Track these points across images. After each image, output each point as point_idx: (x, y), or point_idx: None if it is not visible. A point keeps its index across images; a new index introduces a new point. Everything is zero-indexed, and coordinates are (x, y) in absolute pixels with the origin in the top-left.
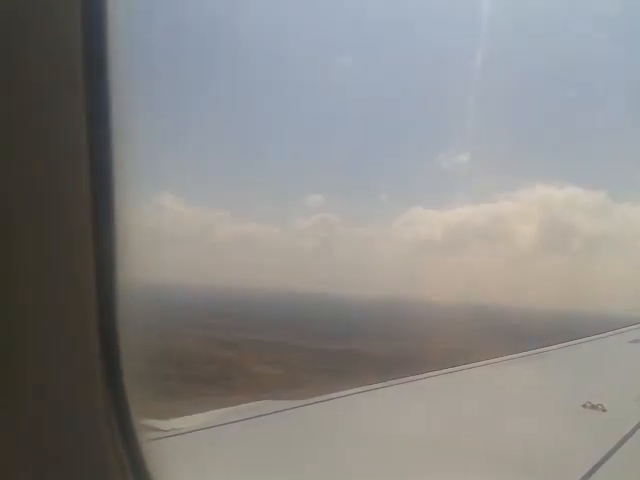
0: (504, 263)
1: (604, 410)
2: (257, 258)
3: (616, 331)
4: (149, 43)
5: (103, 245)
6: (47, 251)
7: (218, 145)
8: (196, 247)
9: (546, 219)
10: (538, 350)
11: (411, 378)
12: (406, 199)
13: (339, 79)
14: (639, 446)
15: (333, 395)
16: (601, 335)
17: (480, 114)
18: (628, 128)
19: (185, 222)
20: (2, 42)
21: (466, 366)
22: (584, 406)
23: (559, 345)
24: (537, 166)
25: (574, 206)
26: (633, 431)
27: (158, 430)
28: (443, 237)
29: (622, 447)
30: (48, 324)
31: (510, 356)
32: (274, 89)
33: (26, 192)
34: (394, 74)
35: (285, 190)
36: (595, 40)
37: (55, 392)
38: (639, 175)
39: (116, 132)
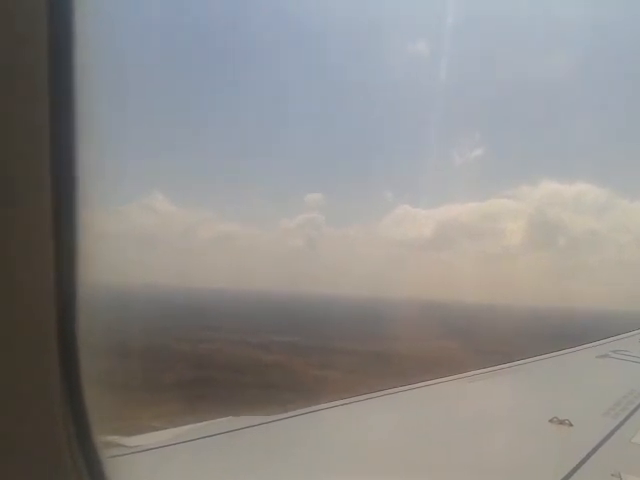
0: (497, 261)
1: (571, 425)
2: (244, 259)
3: (584, 346)
4: (138, 40)
5: (63, 250)
6: (3, 259)
7: (229, 145)
8: (185, 248)
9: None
10: (505, 365)
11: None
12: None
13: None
14: (604, 461)
15: (306, 409)
16: (569, 350)
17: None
18: None
19: (177, 223)
20: None
21: (436, 380)
22: (551, 421)
23: (526, 360)
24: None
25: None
26: (599, 446)
27: (120, 446)
28: (435, 235)
29: (587, 462)
30: (2, 333)
31: (478, 371)
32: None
33: None
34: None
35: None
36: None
37: (11, 404)
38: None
39: (80, 133)
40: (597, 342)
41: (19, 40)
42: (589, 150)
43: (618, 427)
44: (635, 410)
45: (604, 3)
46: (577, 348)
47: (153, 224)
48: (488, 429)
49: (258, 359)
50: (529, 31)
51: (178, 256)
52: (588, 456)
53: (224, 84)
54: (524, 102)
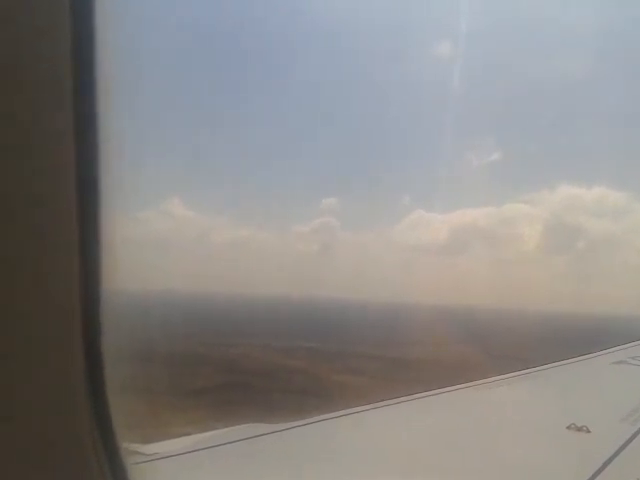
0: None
1: (588, 432)
2: (260, 264)
3: (601, 352)
4: (153, 42)
5: (88, 255)
6: (30, 265)
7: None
8: (202, 253)
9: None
10: (523, 372)
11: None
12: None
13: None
14: (624, 468)
15: (322, 417)
16: (586, 356)
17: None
18: None
19: (193, 228)
20: None
21: (455, 387)
22: (569, 428)
23: (544, 366)
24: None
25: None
26: (618, 452)
27: (140, 454)
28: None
29: (606, 469)
30: (31, 341)
31: (496, 377)
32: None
33: (9, 198)
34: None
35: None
36: None
37: (40, 412)
38: None
39: (104, 137)
40: (614, 348)
41: (40, 34)
42: (608, 153)
43: (637, 433)
44: None
45: (621, 3)
46: (594, 354)
47: (170, 229)
48: (507, 435)
49: (281, 364)
50: (547, 32)
51: (196, 261)
52: (607, 463)
53: (242, 86)
54: (542, 105)
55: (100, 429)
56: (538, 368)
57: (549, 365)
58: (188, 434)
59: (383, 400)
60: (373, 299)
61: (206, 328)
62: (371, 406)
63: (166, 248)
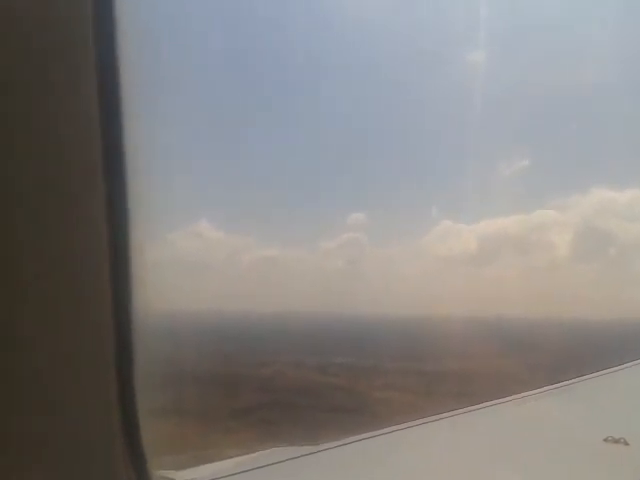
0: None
1: (627, 444)
2: (287, 282)
3: (634, 362)
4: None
5: (119, 277)
6: (62, 286)
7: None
8: (231, 273)
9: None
10: (558, 384)
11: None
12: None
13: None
14: None
15: (351, 439)
16: (621, 366)
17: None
18: None
19: (222, 249)
20: (15, 42)
21: (493, 402)
22: (606, 440)
23: (578, 379)
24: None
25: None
26: None
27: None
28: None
29: None
30: (62, 363)
31: (532, 391)
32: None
33: (40, 217)
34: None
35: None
36: None
37: (72, 442)
38: None
39: (132, 159)
40: None
41: (61, 34)
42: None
43: None
44: None
45: None
46: (629, 363)
47: (200, 250)
48: (544, 449)
49: (319, 381)
50: (576, 38)
51: (225, 282)
52: None
53: (272, 95)
54: (573, 109)
55: (131, 454)
56: (574, 380)
57: (585, 377)
58: (234, 456)
59: (427, 416)
60: (403, 312)
61: (239, 347)
62: (417, 422)
63: (196, 268)
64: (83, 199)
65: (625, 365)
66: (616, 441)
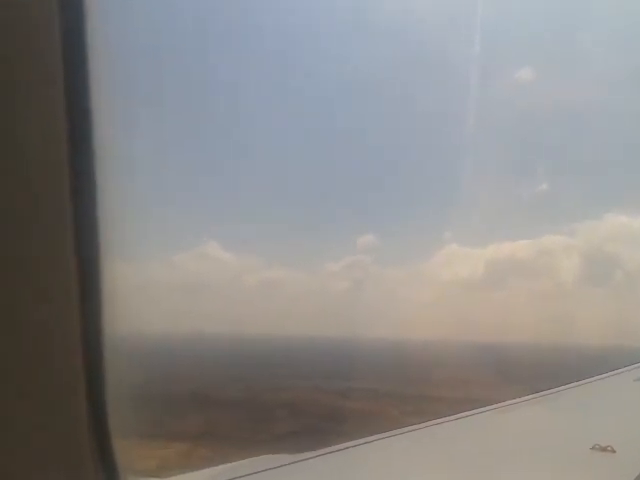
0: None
1: (613, 451)
2: (291, 305)
3: (621, 370)
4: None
5: (89, 306)
6: (29, 313)
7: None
8: (235, 296)
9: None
10: (542, 393)
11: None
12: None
13: None
14: None
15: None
16: (605, 375)
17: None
18: None
19: (228, 271)
20: None
21: (473, 411)
22: (593, 448)
23: (562, 387)
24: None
25: None
26: None
27: None
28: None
29: None
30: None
31: (517, 400)
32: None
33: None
34: None
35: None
36: None
37: (39, 456)
38: None
39: (98, 151)
40: (637, 364)
41: (30, 32)
42: None
43: None
44: None
45: None
46: (614, 372)
47: (206, 272)
48: (529, 457)
49: (343, 406)
50: (603, 68)
51: (229, 304)
52: None
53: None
54: (590, 133)
55: (105, 472)
56: (560, 388)
57: (570, 385)
58: None
59: (410, 424)
60: (410, 337)
61: (251, 371)
62: (401, 430)
63: (201, 291)
64: (48, 202)
65: (611, 373)
66: (603, 449)
